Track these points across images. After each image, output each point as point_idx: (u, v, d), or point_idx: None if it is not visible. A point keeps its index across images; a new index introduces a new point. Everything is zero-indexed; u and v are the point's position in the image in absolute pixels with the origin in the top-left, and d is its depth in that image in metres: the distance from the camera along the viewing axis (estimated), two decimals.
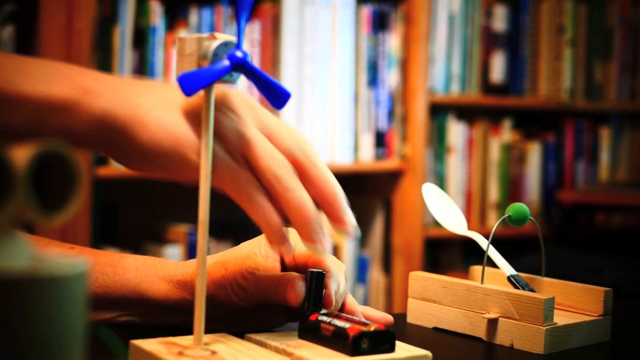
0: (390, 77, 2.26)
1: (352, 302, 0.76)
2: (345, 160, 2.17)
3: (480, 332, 0.80)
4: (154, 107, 0.65)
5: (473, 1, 2.42)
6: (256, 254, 0.76)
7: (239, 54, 0.64)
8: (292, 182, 0.65)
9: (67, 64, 0.67)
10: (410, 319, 0.87)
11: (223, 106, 0.65)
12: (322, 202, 0.67)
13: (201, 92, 0.64)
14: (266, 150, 0.65)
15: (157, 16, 1.91)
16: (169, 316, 0.79)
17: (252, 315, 0.77)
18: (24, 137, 0.61)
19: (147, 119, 0.64)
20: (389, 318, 0.78)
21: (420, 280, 0.86)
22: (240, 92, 0.68)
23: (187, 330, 0.68)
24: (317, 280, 0.72)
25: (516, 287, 0.82)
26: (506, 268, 0.84)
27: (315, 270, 0.72)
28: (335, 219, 0.67)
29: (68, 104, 0.63)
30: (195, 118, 0.65)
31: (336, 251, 2.18)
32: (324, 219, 0.67)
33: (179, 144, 0.64)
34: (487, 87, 2.47)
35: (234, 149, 0.65)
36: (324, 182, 0.67)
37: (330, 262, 0.74)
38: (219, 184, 0.65)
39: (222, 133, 0.64)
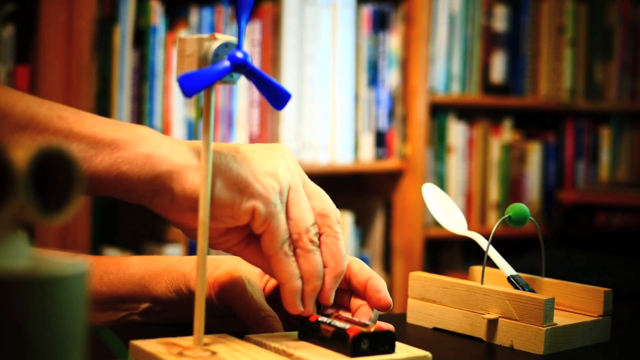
0: (391, 77, 2.26)
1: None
2: (345, 160, 2.17)
3: (480, 332, 0.80)
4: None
5: (473, 1, 2.42)
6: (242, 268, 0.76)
7: (239, 54, 0.64)
8: (315, 243, 0.69)
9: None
10: (410, 319, 0.87)
11: (283, 159, 0.69)
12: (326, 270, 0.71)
13: None
14: (305, 204, 0.69)
15: (157, 16, 1.91)
16: (170, 311, 0.79)
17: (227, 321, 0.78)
18: None
19: (197, 165, 0.67)
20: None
21: (420, 280, 0.86)
22: (288, 148, 0.72)
23: (188, 330, 0.68)
24: None
25: (516, 288, 0.82)
26: (506, 268, 0.84)
27: None
28: (323, 293, 0.71)
29: (118, 143, 0.65)
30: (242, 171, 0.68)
31: None
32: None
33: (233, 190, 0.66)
34: (488, 87, 2.47)
35: (282, 197, 0.68)
36: (337, 255, 0.71)
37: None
38: (259, 229, 0.67)
39: (279, 180, 0.68)
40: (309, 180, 0.72)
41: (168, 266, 0.79)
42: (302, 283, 0.69)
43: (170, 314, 0.80)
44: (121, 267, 0.81)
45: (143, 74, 1.90)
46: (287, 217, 0.68)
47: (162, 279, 0.79)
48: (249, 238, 0.70)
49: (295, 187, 0.69)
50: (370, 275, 0.75)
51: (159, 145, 0.66)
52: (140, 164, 0.65)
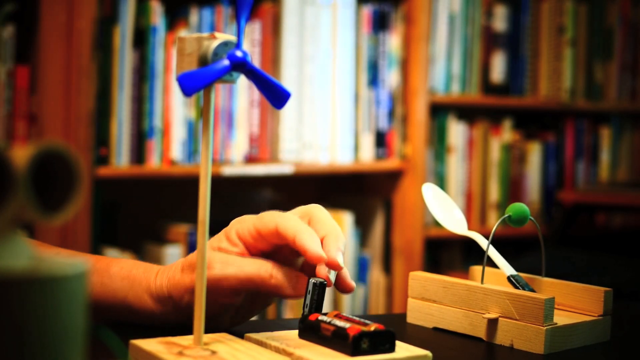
0: (391, 77, 2.26)
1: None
2: (345, 160, 2.17)
3: (480, 332, 0.80)
4: None
5: (473, 1, 2.42)
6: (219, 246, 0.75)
7: (239, 53, 0.64)
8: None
9: None
10: (410, 319, 0.87)
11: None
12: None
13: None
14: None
15: (157, 16, 1.91)
16: (162, 319, 0.78)
17: (241, 309, 0.77)
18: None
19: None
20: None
21: (421, 280, 0.86)
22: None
23: (187, 330, 0.68)
24: (319, 290, 0.72)
25: (516, 287, 0.82)
26: (506, 268, 0.84)
27: (317, 280, 0.72)
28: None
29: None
30: None
31: None
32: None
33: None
34: (488, 87, 2.47)
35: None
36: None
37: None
38: None
39: None
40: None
41: (148, 289, 0.77)
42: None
43: (163, 321, 0.78)
44: (104, 280, 0.78)
45: (143, 74, 1.89)
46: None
47: (146, 302, 0.77)
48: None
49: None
50: (299, 231, 0.72)
51: None
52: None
